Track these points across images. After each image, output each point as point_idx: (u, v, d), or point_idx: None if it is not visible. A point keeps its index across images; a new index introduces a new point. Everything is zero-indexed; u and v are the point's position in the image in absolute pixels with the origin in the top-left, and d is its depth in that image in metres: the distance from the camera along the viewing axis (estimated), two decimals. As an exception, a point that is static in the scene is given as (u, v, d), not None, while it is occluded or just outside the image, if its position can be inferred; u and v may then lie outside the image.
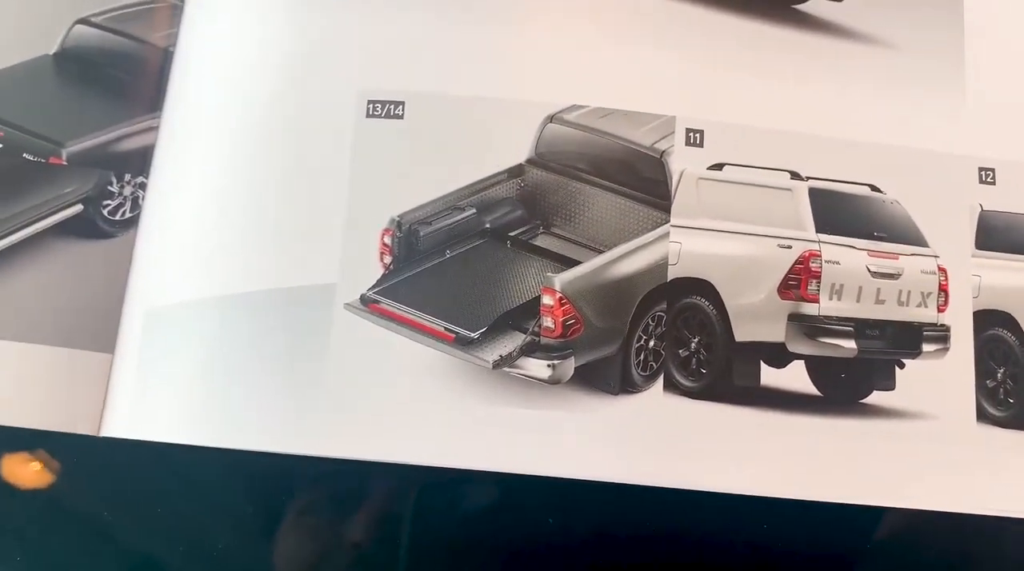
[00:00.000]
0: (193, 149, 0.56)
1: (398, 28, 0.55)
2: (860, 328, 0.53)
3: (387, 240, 0.52)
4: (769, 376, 0.52)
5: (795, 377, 0.52)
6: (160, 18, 0.60)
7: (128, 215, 0.57)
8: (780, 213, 0.53)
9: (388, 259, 0.52)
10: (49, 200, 0.57)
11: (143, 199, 0.56)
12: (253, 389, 0.51)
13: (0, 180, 0.57)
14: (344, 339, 0.51)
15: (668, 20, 0.55)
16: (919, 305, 0.54)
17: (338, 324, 0.51)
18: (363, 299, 0.51)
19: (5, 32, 0.59)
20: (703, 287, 0.52)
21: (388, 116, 0.53)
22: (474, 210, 0.52)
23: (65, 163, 0.58)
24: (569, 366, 0.50)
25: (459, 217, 0.52)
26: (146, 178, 0.56)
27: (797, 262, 0.53)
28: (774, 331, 0.52)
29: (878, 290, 0.54)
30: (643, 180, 0.53)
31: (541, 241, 0.53)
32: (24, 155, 0.58)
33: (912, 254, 0.54)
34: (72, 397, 0.54)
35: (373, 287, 0.51)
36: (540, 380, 0.50)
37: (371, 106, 0.54)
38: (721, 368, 0.51)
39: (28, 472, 0.56)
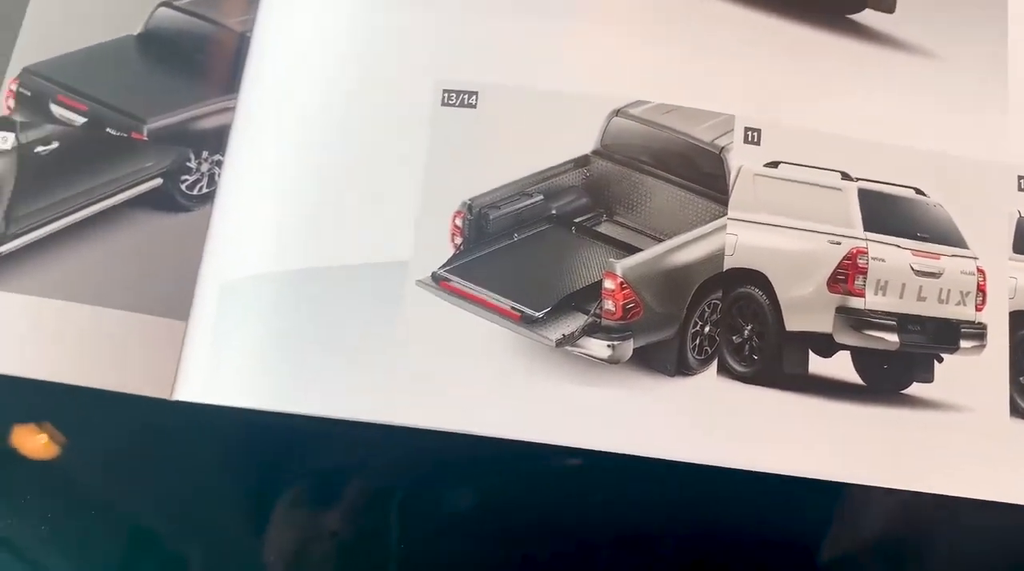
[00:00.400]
0: (269, 130, 0.59)
1: (474, 20, 0.57)
2: (902, 323, 0.56)
3: (458, 222, 0.55)
4: (817, 364, 0.55)
5: (841, 366, 0.55)
6: (237, 4, 0.62)
7: (204, 191, 0.59)
8: (830, 211, 0.56)
9: (459, 240, 0.54)
10: (130, 173, 0.60)
11: (219, 176, 0.59)
12: (325, 358, 0.54)
13: (84, 152, 0.60)
14: (415, 314, 0.54)
15: (731, 24, 0.58)
16: (958, 303, 0.57)
17: (409, 299, 0.54)
18: (434, 277, 0.54)
19: (93, 13, 0.62)
20: (757, 278, 0.55)
21: (462, 105, 0.56)
22: (541, 197, 0.55)
23: (146, 139, 0.60)
24: (628, 347, 0.53)
25: (527, 203, 0.55)
26: (222, 156, 0.59)
27: (845, 258, 0.56)
28: (822, 322, 0.55)
29: (920, 288, 0.57)
30: (703, 174, 0.55)
31: (604, 228, 0.56)
32: (107, 129, 0.60)
33: (953, 255, 0.57)
34: (147, 361, 0.56)
35: (444, 265, 0.54)
36: (600, 359, 0.53)
37: (446, 95, 0.56)
38: (772, 355, 0.54)
39: (99, 432, 0.58)
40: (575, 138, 0.56)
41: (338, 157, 0.57)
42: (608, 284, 0.53)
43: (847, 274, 0.56)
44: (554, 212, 0.55)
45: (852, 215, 0.56)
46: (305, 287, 0.55)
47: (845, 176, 0.57)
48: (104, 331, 0.57)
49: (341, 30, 0.59)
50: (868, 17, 0.60)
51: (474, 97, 0.56)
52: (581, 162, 0.55)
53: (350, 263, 0.55)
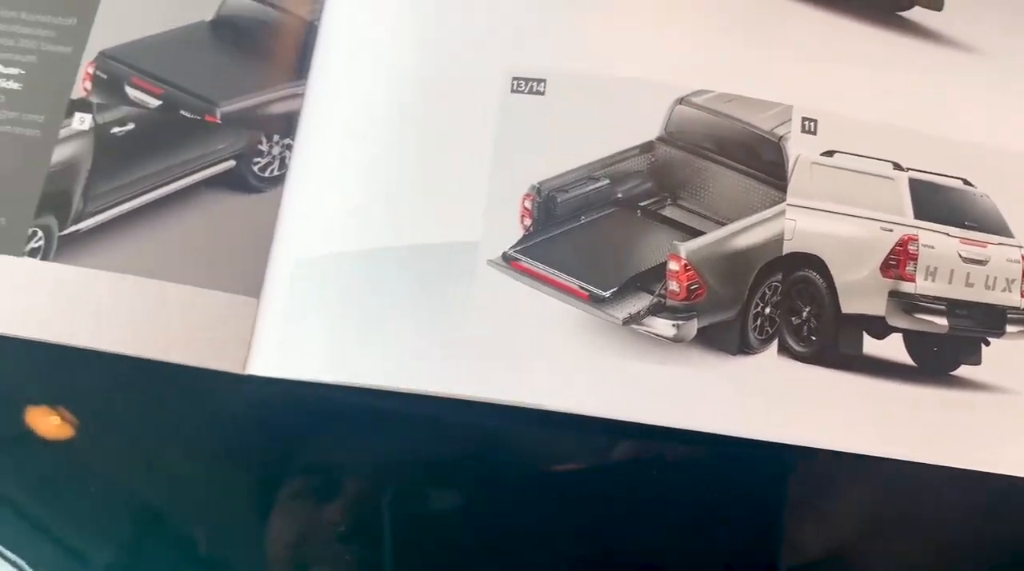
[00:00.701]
0: (336, 116, 0.61)
1: (542, 8, 0.59)
2: (951, 307, 0.58)
3: (527, 204, 0.57)
4: (871, 346, 0.57)
5: (893, 348, 0.57)
6: (308, -7, 0.64)
7: (276, 173, 0.61)
8: (883, 199, 0.58)
9: (528, 222, 0.56)
10: (204, 154, 0.62)
11: (289, 159, 0.61)
12: (396, 333, 0.56)
13: (159, 134, 0.62)
14: (485, 292, 0.56)
15: (789, 18, 0.60)
16: (1004, 290, 0.59)
17: (480, 278, 0.56)
18: (505, 256, 0.56)
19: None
20: (814, 262, 0.57)
21: (531, 92, 0.58)
22: (608, 181, 0.57)
23: (219, 122, 0.62)
24: (692, 327, 0.55)
25: (594, 186, 0.57)
26: (292, 140, 0.61)
27: (897, 244, 0.58)
28: (876, 305, 0.57)
29: (968, 274, 0.59)
30: (763, 162, 0.58)
31: (669, 212, 0.58)
32: (182, 112, 0.62)
33: (999, 244, 0.59)
34: (219, 336, 0.58)
35: (514, 246, 0.56)
36: (665, 338, 0.55)
37: (515, 82, 0.58)
38: (829, 336, 0.56)
39: (174, 405, 0.60)
40: (640, 125, 0.58)
41: (406, 142, 0.59)
42: (673, 265, 0.55)
43: (899, 260, 0.58)
44: (620, 196, 0.57)
45: (903, 203, 0.59)
46: (376, 266, 0.57)
47: (896, 166, 0.59)
48: (178, 306, 0.59)
49: (408, 19, 0.61)
50: (917, 14, 0.63)
51: (542, 84, 0.58)
52: (646, 148, 0.57)
53: (420, 243, 0.57)
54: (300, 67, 0.62)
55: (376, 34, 0.62)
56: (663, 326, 0.55)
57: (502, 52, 0.59)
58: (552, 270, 0.56)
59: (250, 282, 0.59)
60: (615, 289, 0.55)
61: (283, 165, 0.61)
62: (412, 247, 0.57)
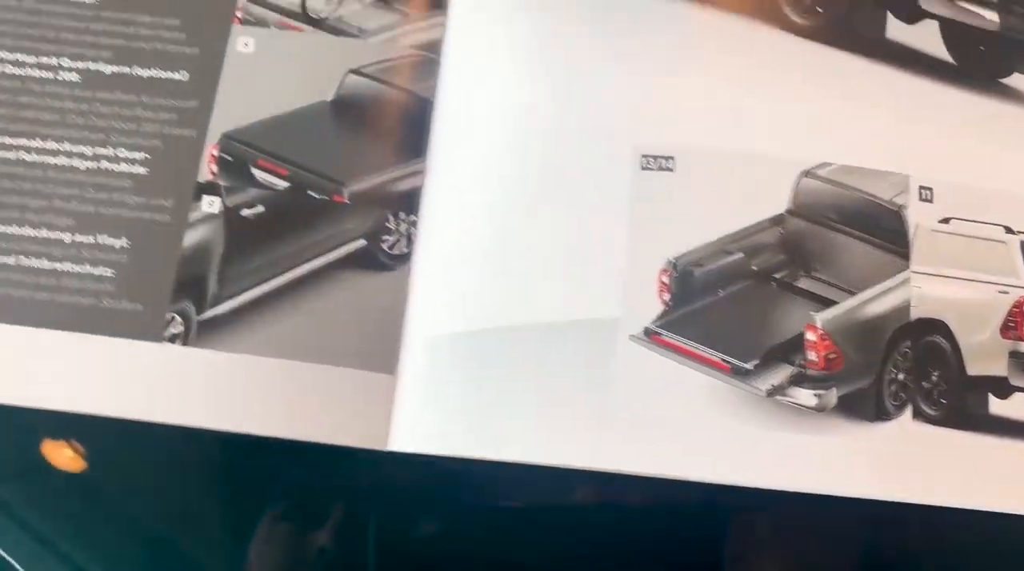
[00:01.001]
0: (459, 191, 0.62)
1: (668, 87, 0.61)
2: (1070, 367, 0.61)
3: (665, 279, 0.58)
4: (996, 406, 0.59)
5: (1017, 407, 0.60)
6: (421, 70, 0.66)
7: (405, 250, 0.62)
8: (997, 262, 0.61)
9: (666, 296, 0.58)
10: (334, 235, 0.63)
11: (415, 236, 0.62)
12: (539, 409, 0.57)
13: (288, 215, 0.63)
14: (627, 367, 0.57)
15: (900, 90, 0.63)
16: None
17: (621, 354, 0.58)
18: (647, 332, 0.58)
19: (286, 79, 0.65)
20: (939, 327, 0.59)
21: (660, 169, 0.60)
22: (742, 254, 0.59)
23: (347, 201, 0.63)
24: (833, 396, 0.57)
25: (729, 260, 0.59)
26: (417, 216, 0.62)
27: (1014, 306, 0.60)
28: (998, 366, 0.60)
29: (1082, 332, 0.61)
30: (885, 231, 0.60)
31: (802, 283, 0.60)
32: (309, 192, 0.63)
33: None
34: (359, 413, 0.59)
35: (655, 321, 0.58)
36: (808, 408, 0.57)
37: (644, 159, 0.60)
38: (957, 398, 0.59)
39: (316, 482, 0.61)
40: (768, 198, 0.60)
41: (533, 219, 0.61)
42: (810, 336, 0.57)
43: (1016, 321, 0.60)
44: (755, 268, 0.59)
45: (1017, 265, 0.61)
46: (512, 342, 0.58)
47: (1008, 230, 0.61)
48: (316, 385, 0.59)
49: (528, 97, 0.63)
50: (1017, 80, 0.65)
51: (671, 161, 0.60)
52: (776, 221, 0.59)
53: (557, 320, 0.59)
54: (419, 144, 0.64)
55: (492, 111, 0.63)
56: (805, 396, 0.57)
57: (629, 130, 0.61)
58: (694, 344, 0.57)
59: (385, 359, 0.60)
60: (756, 361, 0.57)
61: (410, 242, 0.62)
62: (550, 324, 0.59)
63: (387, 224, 0.63)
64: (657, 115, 0.61)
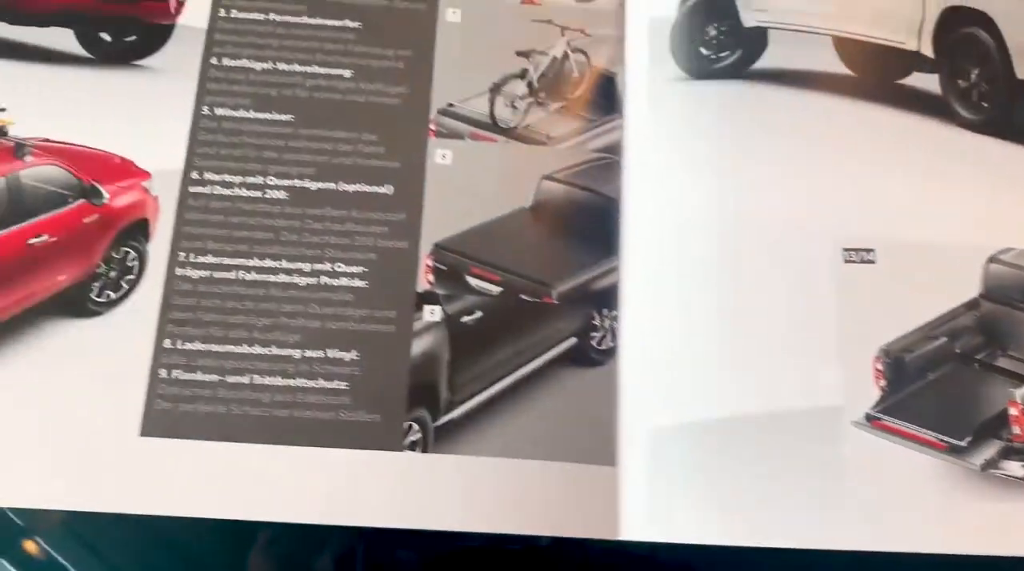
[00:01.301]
0: (658, 286, 0.66)
1: (865, 183, 0.66)
2: None
3: (879, 366, 0.62)
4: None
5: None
6: (606, 172, 0.69)
7: (611, 345, 0.66)
8: None
9: (882, 382, 0.62)
10: (548, 335, 0.66)
11: (618, 331, 0.65)
12: (766, 494, 0.61)
13: (504, 319, 0.65)
14: (850, 450, 0.61)
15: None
16: None
17: (843, 438, 0.61)
18: (867, 417, 0.61)
19: (487, 188, 0.68)
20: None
21: (861, 261, 0.64)
22: (945, 338, 0.63)
23: (556, 302, 0.66)
24: (1041, 466, 0.61)
25: (934, 345, 0.63)
26: (617, 312, 0.66)
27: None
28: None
29: None
30: (1069, 310, 0.65)
31: (1001, 362, 0.64)
32: (521, 296, 0.66)
33: None
34: (587, 505, 0.62)
35: (875, 406, 0.62)
36: (1019, 479, 0.61)
37: (846, 253, 0.64)
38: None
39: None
40: (962, 283, 0.64)
41: (733, 311, 0.65)
42: (1013, 411, 0.62)
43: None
44: (957, 351, 0.64)
45: None
46: (731, 432, 0.62)
47: None
48: (543, 481, 0.62)
49: (709, 193, 0.67)
50: None
51: (872, 253, 0.64)
52: (971, 305, 0.64)
53: (775, 409, 0.62)
54: (613, 242, 0.67)
55: (676, 208, 0.67)
56: (1015, 467, 0.61)
57: (829, 224, 0.65)
58: (912, 426, 0.61)
59: (606, 451, 0.63)
60: (969, 438, 0.61)
61: (615, 337, 0.65)
62: (771, 413, 0.62)
63: (593, 321, 0.66)
64: (855, 210, 0.65)
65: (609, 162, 0.69)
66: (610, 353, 0.65)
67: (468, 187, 0.68)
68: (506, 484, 0.62)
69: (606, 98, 0.71)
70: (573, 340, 0.66)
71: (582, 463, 0.63)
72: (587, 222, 0.68)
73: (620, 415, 0.64)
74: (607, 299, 0.66)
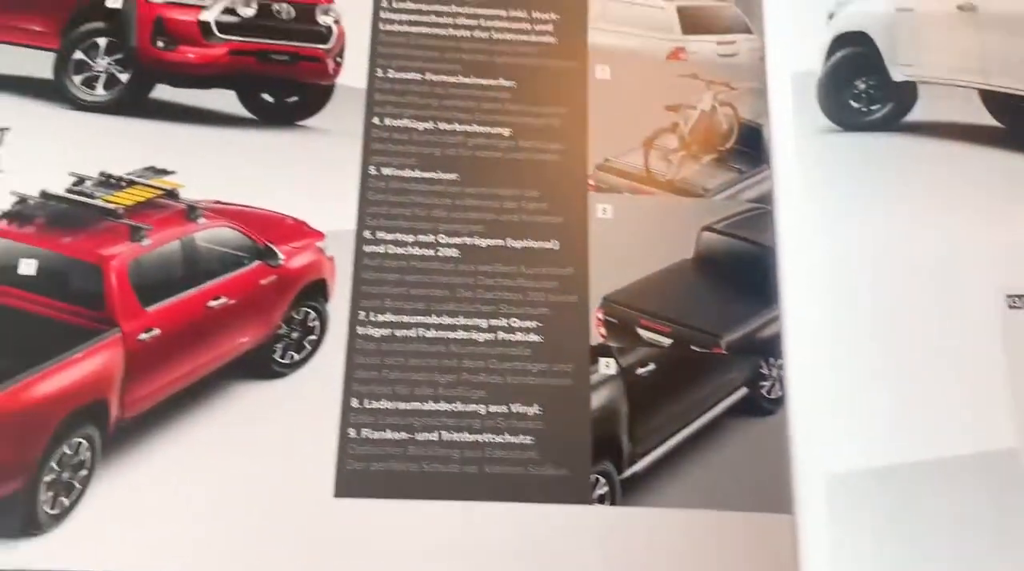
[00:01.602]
0: (819, 333, 0.67)
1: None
2: None
3: (1046, 408, 0.64)
4: None
5: None
6: (761, 222, 0.71)
7: (780, 393, 0.67)
8: None
9: (1052, 423, 0.64)
10: (720, 385, 0.67)
11: (785, 379, 0.67)
12: (954, 542, 0.62)
13: (677, 370, 0.67)
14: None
15: None
16: None
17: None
18: (1045, 458, 0.63)
19: (649, 240, 0.69)
20: None
21: (1025, 308, 0.66)
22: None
23: (725, 352, 0.67)
24: None
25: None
26: (783, 360, 0.67)
27: None
28: None
29: None
30: None
31: None
32: (691, 347, 0.67)
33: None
34: (766, 554, 0.63)
35: (1052, 447, 0.63)
36: None
37: (1010, 299, 0.66)
38: None
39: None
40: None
41: (898, 357, 0.66)
42: None
43: None
44: None
45: None
46: (912, 478, 0.63)
47: None
48: (724, 531, 0.63)
49: (863, 240, 0.69)
50: None
51: (1032, 299, 0.66)
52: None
53: (951, 454, 0.64)
54: (773, 291, 0.69)
55: (832, 256, 0.69)
56: None
57: (991, 272, 0.67)
58: (1087, 466, 0.63)
59: (782, 500, 0.64)
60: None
61: (782, 385, 0.67)
62: (950, 459, 0.64)
63: (761, 370, 0.68)
64: (1016, 257, 0.67)
65: (763, 212, 0.71)
66: (779, 402, 0.66)
67: (629, 240, 0.69)
68: (690, 535, 0.63)
69: (754, 149, 0.73)
70: (744, 390, 0.67)
71: (759, 512, 0.64)
72: (748, 272, 0.70)
73: (795, 464, 0.65)
74: (772, 348, 0.68)
